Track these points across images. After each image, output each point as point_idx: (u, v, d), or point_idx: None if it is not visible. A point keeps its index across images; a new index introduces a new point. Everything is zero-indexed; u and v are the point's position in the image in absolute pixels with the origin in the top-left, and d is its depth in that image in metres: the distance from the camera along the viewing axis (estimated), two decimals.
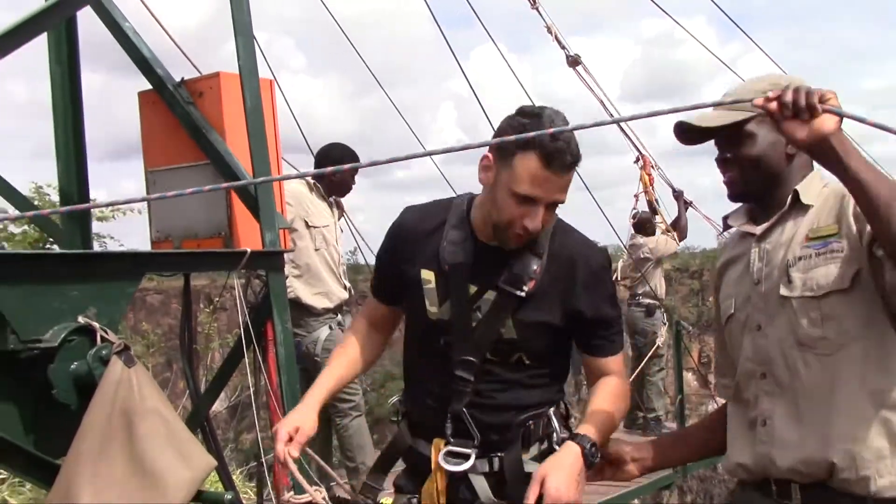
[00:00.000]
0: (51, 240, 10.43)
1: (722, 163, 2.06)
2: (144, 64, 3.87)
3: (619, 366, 2.29)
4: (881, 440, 1.86)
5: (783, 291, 1.94)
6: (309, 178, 5.26)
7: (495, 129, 2.12)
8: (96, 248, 7.44)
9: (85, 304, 2.98)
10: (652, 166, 8.87)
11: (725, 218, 2.18)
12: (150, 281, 10.84)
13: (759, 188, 2.04)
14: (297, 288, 5.12)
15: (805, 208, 2.00)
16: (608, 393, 2.21)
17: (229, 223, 3.77)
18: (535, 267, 2.13)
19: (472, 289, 2.16)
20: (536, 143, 1.95)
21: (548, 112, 2.02)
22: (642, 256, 8.51)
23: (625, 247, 8.70)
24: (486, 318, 2.14)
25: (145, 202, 4.25)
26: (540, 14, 6.80)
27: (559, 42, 6.59)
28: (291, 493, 3.71)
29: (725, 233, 2.27)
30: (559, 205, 2.10)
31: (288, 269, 4.58)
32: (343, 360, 2.39)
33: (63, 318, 2.90)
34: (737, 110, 1.98)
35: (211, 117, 3.78)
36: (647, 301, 8.59)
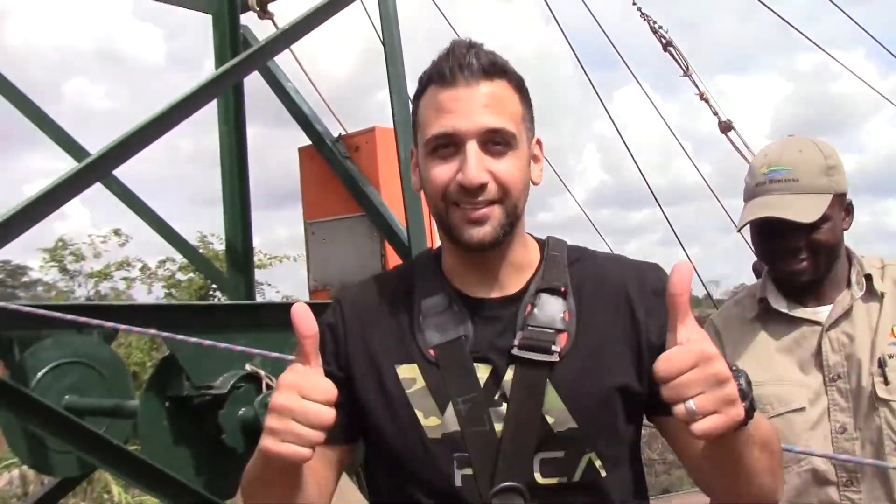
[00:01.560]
0: (214, 286, 11.08)
1: (793, 251, 1.88)
2: (304, 121, 4.09)
3: None
4: None
5: (881, 393, 1.80)
6: None
7: None
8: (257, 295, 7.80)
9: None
10: None
11: (762, 299, 1.98)
12: None
13: (826, 271, 1.91)
14: None
15: (877, 295, 1.89)
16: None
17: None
18: (561, 310, 1.37)
19: (484, 370, 1.35)
20: (428, 73, 1.37)
21: (456, 41, 1.40)
22: None
23: None
24: (512, 412, 1.32)
25: (305, 251, 4.44)
26: (673, 57, 6.76)
27: (711, 108, 6.56)
28: None
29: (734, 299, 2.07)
30: (510, 143, 1.34)
31: None
32: None
33: (232, 366, 3.06)
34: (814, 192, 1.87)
35: (367, 170, 3.94)
36: None
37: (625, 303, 1.39)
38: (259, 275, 10.23)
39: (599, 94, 6.50)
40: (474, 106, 1.32)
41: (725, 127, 6.54)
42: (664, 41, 6.43)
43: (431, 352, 1.36)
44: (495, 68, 1.35)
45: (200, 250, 9.70)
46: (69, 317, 2.76)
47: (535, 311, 1.37)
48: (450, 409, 1.34)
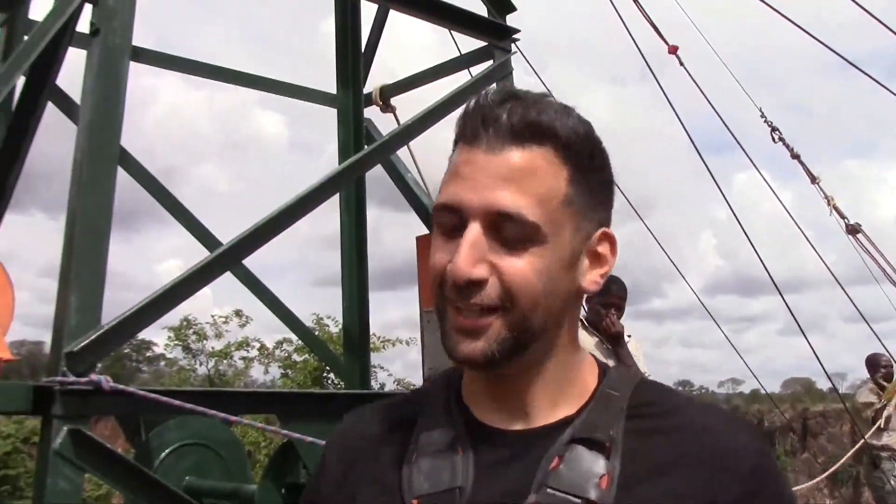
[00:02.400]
0: (328, 367, 11.27)
1: None
2: (423, 211, 4.16)
3: None
4: None
5: None
6: (581, 317, 5.27)
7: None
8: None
9: None
10: None
11: None
12: None
13: None
14: None
15: None
16: None
17: None
18: (599, 473, 0.98)
19: None
20: (459, 127, 1.04)
21: (497, 88, 1.05)
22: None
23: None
24: None
25: (419, 336, 4.49)
26: (786, 145, 6.65)
27: (838, 213, 6.47)
28: None
29: None
30: (532, 238, 0.98)
31: None
32: None
33: None
34: None
35: None
36: (875, 452, 7.89)
37: (702, 478, 0.99)
38: (372, 357, 10.36)
39: (716, 179, 6.41)
40: (488, 176, 0.98)
41: (852, 230, 6.40)
42: (792, 152, 6.40)
43: (415, 503, 1.03)
44: (532, 130, 0.99)
45: (316, 332, 9.89)
46: (188, 405, 2.87)
47: (562, 467, 0.99)
48: None
